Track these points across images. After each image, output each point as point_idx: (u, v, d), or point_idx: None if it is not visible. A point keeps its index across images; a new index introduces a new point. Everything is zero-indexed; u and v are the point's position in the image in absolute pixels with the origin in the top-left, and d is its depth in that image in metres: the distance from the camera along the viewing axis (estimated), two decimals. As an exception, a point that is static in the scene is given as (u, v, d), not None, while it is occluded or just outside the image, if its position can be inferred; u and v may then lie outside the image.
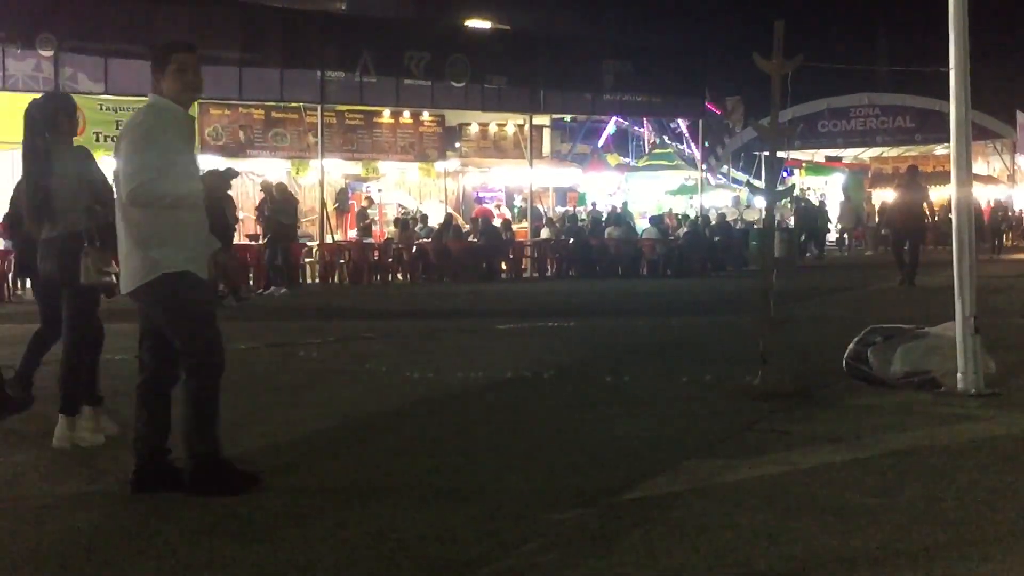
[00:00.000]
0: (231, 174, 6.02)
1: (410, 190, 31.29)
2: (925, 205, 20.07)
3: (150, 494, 5.60)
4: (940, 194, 34.01)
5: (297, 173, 27.23)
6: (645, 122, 43.18)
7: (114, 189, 5.76)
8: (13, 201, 8.26)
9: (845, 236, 40.18)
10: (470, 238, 26.83)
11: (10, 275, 20.48)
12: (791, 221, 38.67)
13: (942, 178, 37.16)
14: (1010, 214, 36.27)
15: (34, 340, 7.70)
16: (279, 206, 21.88)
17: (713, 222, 32.31)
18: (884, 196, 44.52)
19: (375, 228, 28.18)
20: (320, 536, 4.86)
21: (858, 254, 37.84)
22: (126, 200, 5.53)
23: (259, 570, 4.46)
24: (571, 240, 27.81)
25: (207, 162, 25.32)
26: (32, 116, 7.03)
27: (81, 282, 6.81)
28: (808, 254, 33.70)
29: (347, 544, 4.75)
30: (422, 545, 4.71)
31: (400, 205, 30.35)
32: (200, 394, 5.67)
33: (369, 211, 28.70)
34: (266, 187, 22.71)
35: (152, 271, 5.58)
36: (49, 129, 6.97)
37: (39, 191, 6.92)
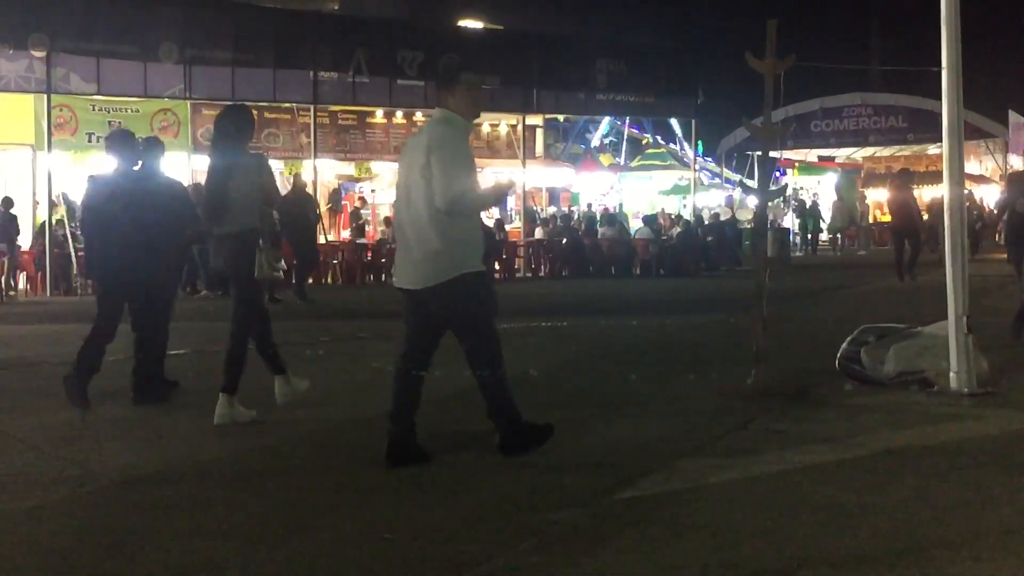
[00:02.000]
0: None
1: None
2: (914, 205, 21.06)
3: (140, 493, 5.61)
4: (932, 193, 34.03)
5: (290, 173, 27.18)
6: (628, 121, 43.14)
7: (410, 196, 6.23)
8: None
9: (838, 236, 40.21)
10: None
11: (1, 277, 20.47)
12: (784, 221, 38.74)
13: (934, 178, 37.17)
14: (985, 213, 35.84)
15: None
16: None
17: (707, 222, 32.32)
18: (877, 196, 44.71)
19: (368, 228, 28.16)
20: (314, 535, 4.86)
21: (850, 253, 37.88)
22: (445, 208, 6.06)
23: (253, 570, 4.46)
24: (564, 240, 27.81)
25: (202, 162, 25.31)
26: (225, 124, 7.84)
27: (255, 276, 7.58)
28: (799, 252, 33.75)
29: (341, 543, 4.75)
30: (416, 544, 4.72)
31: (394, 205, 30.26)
32: (492, 381, 6.31)
33: (362, 211, 28.67)
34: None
35: (456, 270, 6.15)
36: (235, 136, 7.75)
37: (219, 192, 7.64)
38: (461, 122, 6.33)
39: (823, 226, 40.63)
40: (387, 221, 27.94)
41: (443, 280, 6.15)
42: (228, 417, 7.60)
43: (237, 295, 7.78)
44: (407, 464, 6.15)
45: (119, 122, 23.80)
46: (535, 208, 33.01)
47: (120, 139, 8.90)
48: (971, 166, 41.14)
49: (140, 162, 8.96)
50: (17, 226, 20.87)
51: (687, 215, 33.13)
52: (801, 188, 45.26)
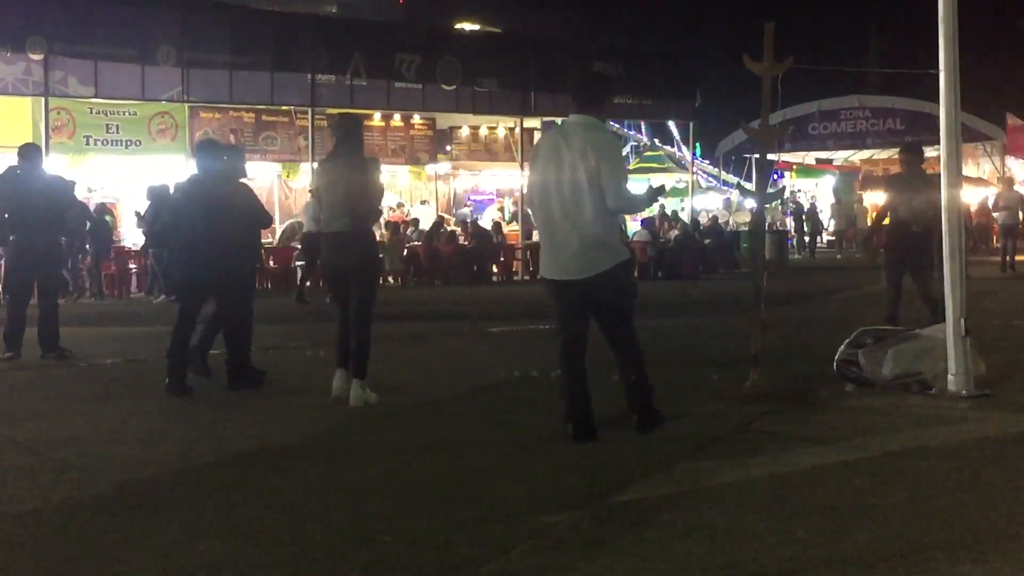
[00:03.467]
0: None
1: (401, 193, 31.27)
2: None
3: (137, 495, 5.61)
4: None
5: (288, 176, 27.22)
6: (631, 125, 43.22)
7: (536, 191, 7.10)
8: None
9: (836, 238, 40.36)
10: (460, 240, 26.81)
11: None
12: (787, 223, 38.77)
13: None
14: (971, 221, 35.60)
15: (339, 329, 8.63)
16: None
17: (703, 225, 32.35)
18: (875, 198, 44.73)
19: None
20: (312, 538, 4.86)
21: (849, 255, 37.90)
22: (617, 209, 6.99)
23: (249, 571, 4.46)
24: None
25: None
26: (342, 131, 8.61)
27: (387, 269, 8.15)
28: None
29: (339, 546, 4.75)
30: (414, 547, 4.71)
31: (399, 205, 30.14)
32: (638, 359, 7.04)
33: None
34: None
35: (615, 258, 6.94)
36: (347, 140, 8.45)
37: (337, 192, 8.33)
38: (609, 130, 7.19)
39: (825, 228, 40.72)
40: (386, 224, 27.94)
41: (603, 269, 6.85)
42: (361, 399, 8.26)
43: (358, 290, 8.39)
44: (595, 437, 6.80)
45: (116, 125, 23.81)
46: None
47: (209, 147, 9.92)
48: (968, 168, 41.19)
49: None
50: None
51: (684, 217, 33.14)
52: (799, 191, 45.31)
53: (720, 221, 34.65)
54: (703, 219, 34.21)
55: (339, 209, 8.31)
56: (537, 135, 34.08)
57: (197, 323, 9.50)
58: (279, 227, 25.44)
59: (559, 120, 7.09)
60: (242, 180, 9.87)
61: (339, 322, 8.58)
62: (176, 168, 24.79)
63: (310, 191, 20.17)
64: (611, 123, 35.14)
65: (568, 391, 6.97)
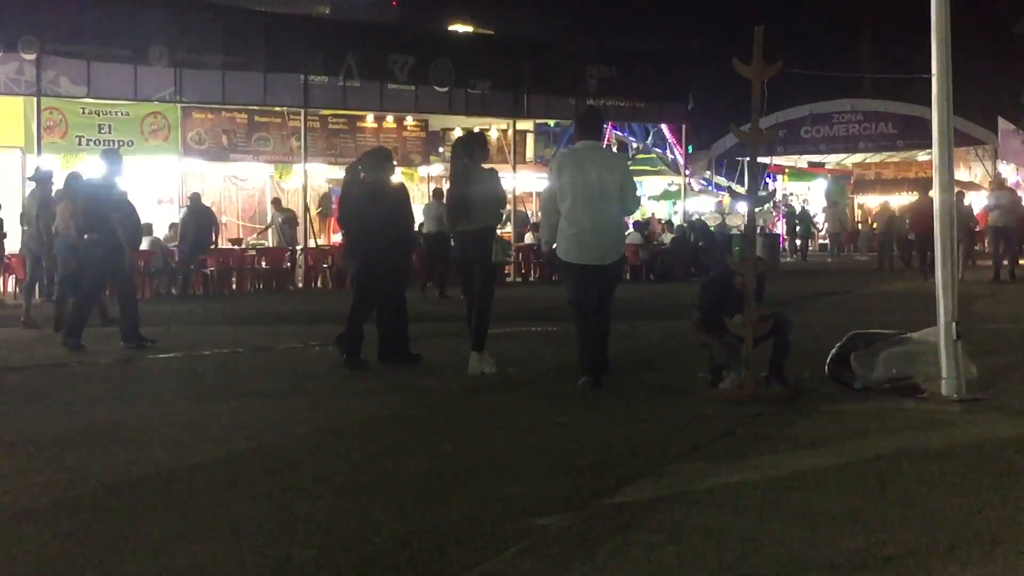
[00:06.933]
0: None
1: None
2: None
3: (129, 496, 5.61)
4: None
5: (280, 177, 27.20)
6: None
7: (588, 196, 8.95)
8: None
9: (830, 241, 40.38)
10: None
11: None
12: (778, 227, 38.82)
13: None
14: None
15: (469, 312, 10.11)
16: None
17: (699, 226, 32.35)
18: (866, 201, 44.84)
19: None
20: (304, 539, 4.85)
21: (848, 259, 37.92)
22: (633, 210, 10.06)
23: (243, 572, 4.45)
24: (555, 245, 27.75)
25: (192, 165, 25.27)
26: (457, 148, 10.50)
27: (492, 261, 10.03)
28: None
29: (330, 547, 4.74)
30: (405, 548, 4.71)
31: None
32: (607, 327, 9.19)
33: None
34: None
35: (622, 250, 9.60)
36: (468, 156, 10.14)
37: (459, 198, 10.04)
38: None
39: (816, 231, 40.70)
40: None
41: (618, 258, 9.24)
42: (478, 368, 9.78)
43: (481, 277, 9.97)
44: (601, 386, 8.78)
45: (109, 125, 23.75)
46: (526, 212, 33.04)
47: (385, 155, 11.37)
48: (961, 173, 41.28)
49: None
50: (3, 229, 20.70)
51: (678, 220, 33.16)
52: (791, 194, 45.36)
53: (712, 225, 34.63)
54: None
55: (468, 211, 9.91)
56: (530, 137, 34.19)
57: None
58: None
59: (576, 144, 9.43)
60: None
61: (469, 309, 10.06)
62: (169, 169, 24.85)
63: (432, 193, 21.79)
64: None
65: (585, 347, 8.97)
